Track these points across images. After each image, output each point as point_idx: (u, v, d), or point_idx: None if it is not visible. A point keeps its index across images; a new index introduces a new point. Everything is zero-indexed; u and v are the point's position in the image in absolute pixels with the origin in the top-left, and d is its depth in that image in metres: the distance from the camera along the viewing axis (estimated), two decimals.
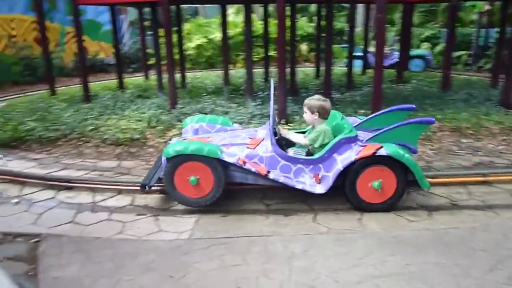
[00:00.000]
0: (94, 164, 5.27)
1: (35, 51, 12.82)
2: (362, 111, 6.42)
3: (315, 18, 17.03)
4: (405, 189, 3.78)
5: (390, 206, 3.81)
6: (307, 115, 3.98)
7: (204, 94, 7.77)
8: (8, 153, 5.84)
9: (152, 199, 4.20)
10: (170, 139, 5.67)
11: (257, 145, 3.89)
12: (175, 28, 8.55)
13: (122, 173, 4.95)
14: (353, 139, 3.80)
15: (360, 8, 14.01)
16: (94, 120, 6.28)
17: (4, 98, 9.73)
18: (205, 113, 6.31)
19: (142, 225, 3.71)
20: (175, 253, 3.23)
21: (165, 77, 7.90)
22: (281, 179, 3.77)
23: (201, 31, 15.21)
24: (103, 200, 4.24)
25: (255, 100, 6.96)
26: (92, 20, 14.11)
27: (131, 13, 17.04)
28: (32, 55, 12.57)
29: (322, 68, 11.06)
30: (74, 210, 4.02)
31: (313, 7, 17.87)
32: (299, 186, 3.76)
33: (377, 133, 3.85)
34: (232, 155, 3.82)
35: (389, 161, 3.66)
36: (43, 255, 3.28)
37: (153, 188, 4.08)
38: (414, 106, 4.18)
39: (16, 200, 4.30)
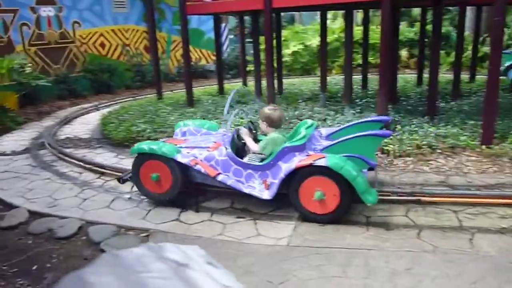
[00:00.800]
0: None
1: (144, 59, 13.91)
2: (472, 122, 5.93)
3: (415, 23, 16.27)
4: (351, 202, 3.66)
5: (335, 219, 3.70)
6: (260, 123, 4.19)
7: (300, 101, 7.77)
8: (122, 152, 6.38)
9: (251, 203, 4.28)
10: None
11: (216, 148, 4.11)
12: (273, 35, 8.71)
13: None
14: (299, 148, 3.80)
15: (468, 11, 12.99)
16: None
17: (118, 101, 10.68)
18: (301, 120, 6.30)
19: (241, 228, 3.78)
20: (273, 259, 3.24)
21: (263, 83, 8.05)
22: (229, 182, 3.92)
23: (297, 38, 15.28)
24: (205, 201, 4.41)
25: (354, 108, 6.78)
26: (195, 28, 14.91)
27: (230, 21, 17.74)
28: (142, 62, 13.66)
29: (426, 75, 10.47)
30: (179, 209, 4.23)
31: (415, 11, 17.01)
32: (246, 191, 3.87)
33: (332, 143, 3.88)
34: (187, 156, 4.08)
35: (331, 173, 3.55)
36: None
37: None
38: (389, 118, 4.28)
39: (128, 196, 4.65)
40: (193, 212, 4.16)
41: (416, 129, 5.61)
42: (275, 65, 8.52)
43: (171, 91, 11.60)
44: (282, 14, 10.03)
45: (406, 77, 11.22)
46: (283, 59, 13.57)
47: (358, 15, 16.57)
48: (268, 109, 4.13)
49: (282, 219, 3.93)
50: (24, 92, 9.39)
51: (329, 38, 14.18)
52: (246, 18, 11.90)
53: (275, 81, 8.24)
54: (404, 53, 14.78)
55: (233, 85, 10.97)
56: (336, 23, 16.42)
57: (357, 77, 10.16)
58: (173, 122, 6.66)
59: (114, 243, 3.65)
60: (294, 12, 19.23)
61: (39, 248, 3.65)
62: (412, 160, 5.11)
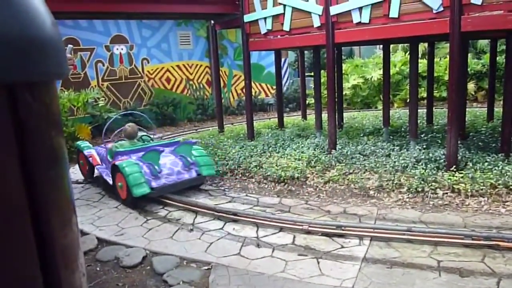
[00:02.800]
0: (257, 199, 5.53)
1: (207, 93, 14.42)
2: None
3: (482, 54, 15.61)
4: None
5: (128, 202, 5.50)
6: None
7: (362, 135, 7.61)
8: None
9: (313, 240, 4.17)
10: (328, 181, 5.68)
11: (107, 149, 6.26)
12: (334, 69, 8.71)
13: (282, 210, 5.07)
14: (123, 153, 5.73)
15: None
16: (258, 157, 6.63)
17: (181, 134, 11.07)
18: (366, 155, 6.15)
19: (304, 266, 3.68)
20: None
21: (323, 116, 8.01)
22: (99, 171, 6.22)
23: (357, 71, 15.17)
24: (266, 236, 4.37)
25: (419, 143, 6.52)
26: (255, 63, 15.26)
27: (290, 56, 18.03)
28: (205, 96, 14.16)
29: (496, 109, 9.91)
30: (240, 243, 4.22)
31: (481, 42, 16.36)
32: (107, 178, 5.95)
33: (143, 153, 5.70)
34: (91, 152, 6.63)
35: (121, 171, 5.42)
36: (213, 284, 3.49)
37: (314, 229, 4.07)
38: (195, 141, 6.38)
39: (191, 227, 4.72)
40: (255, 246, 4.13)
41: (490, 167, 5.27)
42: (335, 98, 8.46)
43: (232, 124, 11.85)
44: (343, 48, 10.06)
45: (474, 111, 10.69)
46: (343, 93, 13.49)
47: (420, 48, 16.23)
48: (126, 125, 6.37)
49: (347, 259, 3.78)
50: (96, 124, 9.99)
51: (391, 71, 13.97)
52: (307, 52, 12.04)
53: (336, 114, 8.16)
54: (471, 85, 14.16)
55: (293, 118, 11.01)
56: (397, 55, 16.12)
57: (420, 111, 9.83)
58: (234, 155, 6.76)
59: (177, 275, 3.68)
60: (354, 46, 19.19)
61: (106, 276, 3.77)
62: (486, 201, 4.78)
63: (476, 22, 4.98)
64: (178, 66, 14.06)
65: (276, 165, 6.19)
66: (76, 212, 0.60)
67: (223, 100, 12.76)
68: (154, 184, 5.46)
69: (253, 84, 15.43)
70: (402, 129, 7.97)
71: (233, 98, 15.51)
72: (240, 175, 6.36)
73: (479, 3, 4.89)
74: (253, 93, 15.01)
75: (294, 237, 4.29)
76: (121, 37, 12.70)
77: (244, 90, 8.90)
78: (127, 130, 6.24)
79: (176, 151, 5.99)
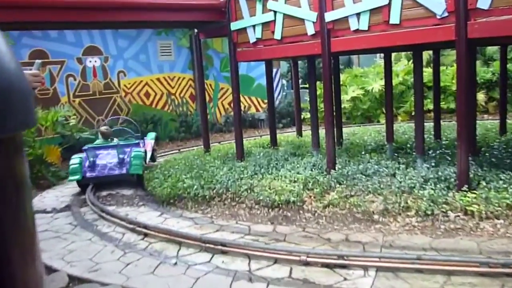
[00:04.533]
0: (248, 227, 5.50)
1: (190, 108, 14.45)
2: None
3: (491, 61, 15.90)
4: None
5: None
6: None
7: (364, 153, 7.65)
8: (166, 211, 6.49)
9: (312, 272, 4.14)
10: (328, 205, 5.68)
11: None
12: (331, 80, 8.81)
13: (277, 239, 5.04)
14: (89, 148, 8.22)
15: None
16: (248, 180, 6.62)
17: (162, 154, 11.02)
18: (369, 175, 6.17)
19: None
20: None
21: (320, 133, 8.05)
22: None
23: (357, 82, 15.35)
24: (259, 268, 4.33)
25: (427, 161, 6.57)
26: (244, 75, 15.36)
27: (282, 66, 18.20)
28: (188, 112, 14.18)
29: (509, 121, 10.05)
30: (230, 277, 4.17)
31: (490, 49, 16.69)
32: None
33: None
34: None
35: None
36: None
37: (313, 260, 4.05)
38: (137, 142, 8.85)
39: (174, 260, 4.66)
40: (247, 281, 4.08)
41: (505, 185, 5.31)
42: (333, 112, 8.54)
43: (219, 142, 11.86)
44: (340, 57, 10.17)
45: (485, 124, 10.83)
46: (342, 106, 13.61)
47: (424, 55, 16.53)
48: (102, 128, 8.97)
49: None
50: (67, 145, 9.93)
51: (393, 81, 14.16)
52: (300, 62, 12.15)
53: (335, 130, 8.21)
54: (481, 96, 14.38)
55: (287, 135, 11.05)
56: (399, 64, 16.38)
57: (427, 124, 9.94)
58: (222, 178, 6.74)
59: None
60: (352, 55, 19.46)
61: None
62: (502, 223, 4.80)
63: (483, 28, 5.08)
64: (158, 79, 14.12)
65: (269, 188, 6.18)
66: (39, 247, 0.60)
67: (208, 116, 12.77)
68: (88, 174, 7.94)
69: (242, 98, 15.47)
70: (408, 145, 8.03)
71: (220, 113, 15.56)
72: (229, 200, 6.33)
73: (486, 8, 5.00)
74: (242, 108, 15.09)
75: (291, 269, 4.25)
76: (95, 48, 12.74)
77: (232, 104, 8.94)
78: (102, 131, 8.84)
79: (117, 150, 8.15)
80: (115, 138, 9.10)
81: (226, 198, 6.39)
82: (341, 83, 11.93)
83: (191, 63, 14.72)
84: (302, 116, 12.00)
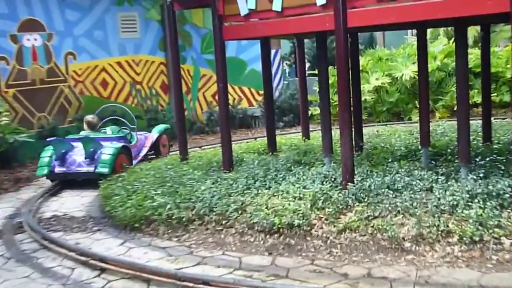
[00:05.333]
0: (238, 260, 5.50)
1: (162, 101, 14.44)
2: None
3: None
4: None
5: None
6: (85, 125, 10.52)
7: (391, 160, 7.68)
8: (130, 238, 6.48)
9: None
10: (344, 230, 5.70)
11: None
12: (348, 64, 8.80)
13: (277, 276, 5.05)
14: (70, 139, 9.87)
15: None
16: (239, 196, 6.64)
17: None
18: (397, 189, 6.20)
19: None
20: None
21: (333, 134, 8.06)
22: None
23: (381, 68, 15.41)
24: None
25: (473, 171, 6.60)
26: (234, 57, 15.32)
27: (284, 46, 18.24)
28: (159, 107, 14.17)
29: None
30: None
31: None
32: None
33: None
34: None
35: None
36: None
37: None
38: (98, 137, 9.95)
39: None
40: None
41: None
42: (351, 107, 8.58)
43: (200, 147, 11.87)
44: (359, 34, 10.19)
45: None
46: (362, 99, 13.65)
47: (469, 33, 16.59)
48: (88, 117, 10.46)
49: None
50: None
51: (429, 66, 14.22)
52: (307, 41, 12.18)
53: (352, 131, 8.25)
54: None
55: (289, 137, 11.08)
56: (437, 44, 16.49)
57: (473, 123, 10.00)
58: (204, 194, 6.75)
59: None
60: (375, 32, 19.57)
61: None
62: None
63: None
64: (119, 63, 14.12)
65: (267, 208, 6.19)
66: None
67: (186, 113, 12.75)
68: (56, 169, 9.33)
69: (230, 89, 15.44)
70: (449, 150, 8.06)
71: (202, 109, 15.58)
72: (214, 224, 6.34)
73: None
74: (230, 102, 15.06)
75: None
76: (35, 23, 12.69)
77: (217, 97, 8.93)
78: (88, 120, 10.36)
79: (83, 143, 9.35)
80: (107, 129, 10.60)
81: (210, 221, 6.38)
82: (360, 68, 11.98)
83: (162, 42, 14.74)
84: (309, 113, 12.02)
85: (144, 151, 10.65)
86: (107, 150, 9.34)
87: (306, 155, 8.59)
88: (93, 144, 9.37)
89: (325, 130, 7.94)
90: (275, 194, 6.59)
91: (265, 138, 9.65)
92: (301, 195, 6.36)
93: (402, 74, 14.68)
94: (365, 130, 9.97)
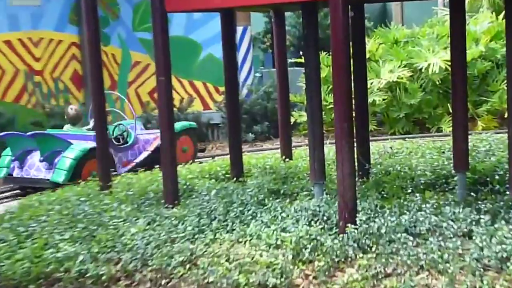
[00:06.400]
0: None
1: (74, 100, 14.31)
2: None
3: None
4: None
5: None
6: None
7: (410, 191, 7.74)
8: None
9: None
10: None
11: None
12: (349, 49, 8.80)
13: None
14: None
15: None
16: (186, 243, 6.63)
17: (15, 191, 10.91)
18: (420, 234, 6.24)
19: None
20: None
21: (328, 152, 8.07)
22: None
23: (397, 54, 15.56)
24: None
25: None
26: (181, 38, 15.33)
27: (256, 23, 18.28)
28: (69, 108, 14.04)
29: None
30: None
31: None
32: None
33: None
34: None
35: None
36: None
37: None
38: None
39: None
40: None
41: None
42: (352, 112, 8.62)
43: (130, 170, 11.76)
44: (366, 5, 10.22)
45: None
46: (369, 99, 13.72)
47: None
48: (69, 108, 11.96)
49: None
50: None
51: (468, 52, 14.34)
52: (289, 15, 12.20)
53: (354, 147, 8.28)
54: None
55: (264, 155, 11.06)
56: (480, 19, 16.65)
57: None
58: (136, 241, 6.70)
59: None
60: (390, 2, 19.69)
61: None
62: None
63: None
64: (7, 42, 13.98)
65: (228, 261, 6.18)
66: None
67: (109, 118, 12.67)
68: (14, 172, 10.62)
69: (176, 83, 15.41)
70: (496, 176, 8.15)
71: (133, 112, 15.45)
72: (149, 285, 6.30)
73: None
74: (176, 103, 14.97)
75: None
76: None
77: (156, 95, 8.91)
78: (69, 113, 11.48)
79: (38, 144, 10.31)
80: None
81: (143, 281, 6.34)
82: (368, 56, 12.06)
83: (74, 12, 14.65)
84: (292, 120, 12.04)
85: (143, 156, 11.52)
86: (69, 153, 10.22)
87: (286, 182, 8.62)
88: (53, 143, 10.30)
89: (315, 146, 7.97)
90: (240, 239, 6.58)
91: (227, 156, 9.64)
92: (279, 242, 6.35)
93: (429, 65, 14.83)
94: (373, 146, 10.04)
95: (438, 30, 15.82)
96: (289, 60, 11.68)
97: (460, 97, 8.05)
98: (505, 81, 8.87)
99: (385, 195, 7.70)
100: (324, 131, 8.14)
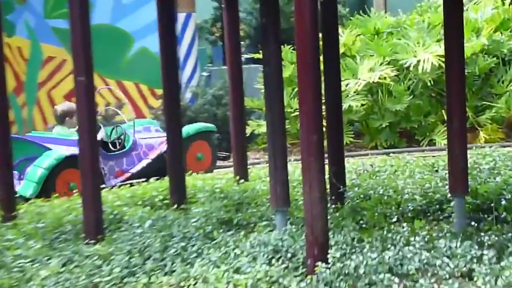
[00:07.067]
0: None
1: None
2: None
3: None
4: None
5: None
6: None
7: (394, 219, 7.79)
8: None
9: None
10: None
11: None
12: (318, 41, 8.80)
13: None
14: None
15: None
16: None
17: None
18: (408, 275, 6.27)
19: None
20: None
21: (293, 171, 8.07)
22: None
23: (379, 49, 15.67)
24: None
25: None
26: (108, 28, 15.28)
27: (201, 8, 18.30)
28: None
29: None
30: None
31: None
32: None
33: None
34: None
35: None
36: None
37: None
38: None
39: None
40: None
41: None
42: (323, 121, 8.65)
43: (40, 195, 11.68)
44: None
45: None
46: (344, 105, 13.78)
47: None
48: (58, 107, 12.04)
49: None
50: None
51: (466, 46, 14.47)
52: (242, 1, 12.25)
53: (325, 165, 8.30)
54: None
55: (213, 176, 11.06)
56: (480, 7, 16.83)
57: None
58: (45, 284, 6.65)
59: None
60: None
61: None
62: None
63: None
64: None
65: None
66: None
67: (15, 128, 12.58)
68: None
69: (100, 83, 15.28)
70: (502, 201, 8.21)
71: (45, 121, 15.38)
72: None
73: None
74: (99, 110, 14.88)
75: None
76: None
77: (75, 99, 8.86)
78: (56, 110, 11.65)
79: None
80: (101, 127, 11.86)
81: None
82: (342, 50, 12.14)
83: None
84: (248, 131, 12.05)
85: (142, 164, 11.58)
86: (41, 161, 10.36)
87: (241, 209, 8.63)
88: (25, 149, 10.48)
89: (276, 164, 7.98)
90: (182, 283, 6.57)
91: (165, 178, 9.62)
92: (231, 286, 6.35)
93: (418, 62, 14.96)
94: (349, 164, 10.09)
95: (430, 18, 15.97)
96: (244, 56, 11.70)
97: (457, 102, 8.11)
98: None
99: (364, 225, 7.73)
100: (287, 145, 8.15)
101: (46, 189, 10.62)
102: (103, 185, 10.61)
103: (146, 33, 15.10)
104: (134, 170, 11.75)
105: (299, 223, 7.38)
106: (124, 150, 11.78)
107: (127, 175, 11.55)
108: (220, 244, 7.32)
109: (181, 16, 15.59)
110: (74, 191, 10.03)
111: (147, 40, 15.19)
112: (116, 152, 11.52)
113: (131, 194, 10.15)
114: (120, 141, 11.95)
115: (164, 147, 11.46)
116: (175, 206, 8.92)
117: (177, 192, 9.17)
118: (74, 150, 10.47)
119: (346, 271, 6.34)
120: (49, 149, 10.79)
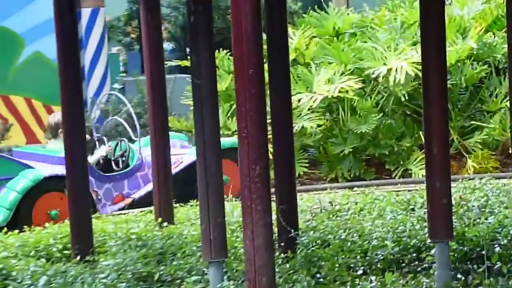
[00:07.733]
0: None
1: None
2: None
3: None
4: None
5: None
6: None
7: (361, 272, 7.82)
8: None
9: None
10: None
11: None
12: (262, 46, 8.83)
13: None
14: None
15: None
16: None
17: None
18: None
19: None
20: None
21: (231, 211, 8.08)
22: None
23: (339, 55, 15.78)
24: None
25: None
26: None
27: (113, 5, 18.38)
28: None
29: None
30: None
31: None
32: None
33: None
34: None
35: None
36: None
37: None
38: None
39: None
40: None
41: None
42: (269, 146, 8.68)
43: None
44: None
45: None
46: (296, 126, 13.82)
47: None
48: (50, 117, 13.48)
49: None
50: None
51: (452, 50, 14.59)
52: None
53: (272, 203, 8.32)
54: None
55: (127, 218, 11.06)
56: (467, 1, 17.05)
57: None
58: None
59: None
60: None
61: None
62: None
63: None
64: None
65: None
66: None
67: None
68: None
69: None
70: (496, 248, 8.28)
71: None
72: None
73: None
74: None
75: None
76: None
77: None
78: (49, 122, 12.03)
79: None
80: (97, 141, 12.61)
81: None
82: (293, 56, 12.23)
83: None
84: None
85: (148, 188, 11.43)
86: (15, 183, 10.49)
87: (164, 261, 8.61)
88: (2, 168, 10.77)
89: (209, 202, 7.98)
90: None
91: (68, 223, 9.60)
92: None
93: (389, 71, 15.08)
94: (303, 201, 10.14)
95: (403, 15, 16.12)
96: (168, 63, 11.75)
97: (438, 122, 8.15)
98: (507, 94, 8.99)
99: (321, 280, 7.75)
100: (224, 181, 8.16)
101: (20, 217, 10.71)
102: (97, 213, 10.92)
103: (39, 34, 15.11)
104: (137, 195, 11.69)
105: (239, 278, 7.37)
106: (127, 170, 11.78)
107: (128, 201, 11.52)
108: None
109: (85, 12, 15.61)
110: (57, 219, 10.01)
111: (41, 43, 15.20)
112: (116, 173, 11.47)
113: (21, 243, 10.09)
114: (124, 158, 12.01)
115: (177, 168, 11.73)
116: (78, 258, 8.88)
117: (81, 239, 9.12)
118: (60, 170, 10.76)
119: None
120: (31, 167, 10.95)
